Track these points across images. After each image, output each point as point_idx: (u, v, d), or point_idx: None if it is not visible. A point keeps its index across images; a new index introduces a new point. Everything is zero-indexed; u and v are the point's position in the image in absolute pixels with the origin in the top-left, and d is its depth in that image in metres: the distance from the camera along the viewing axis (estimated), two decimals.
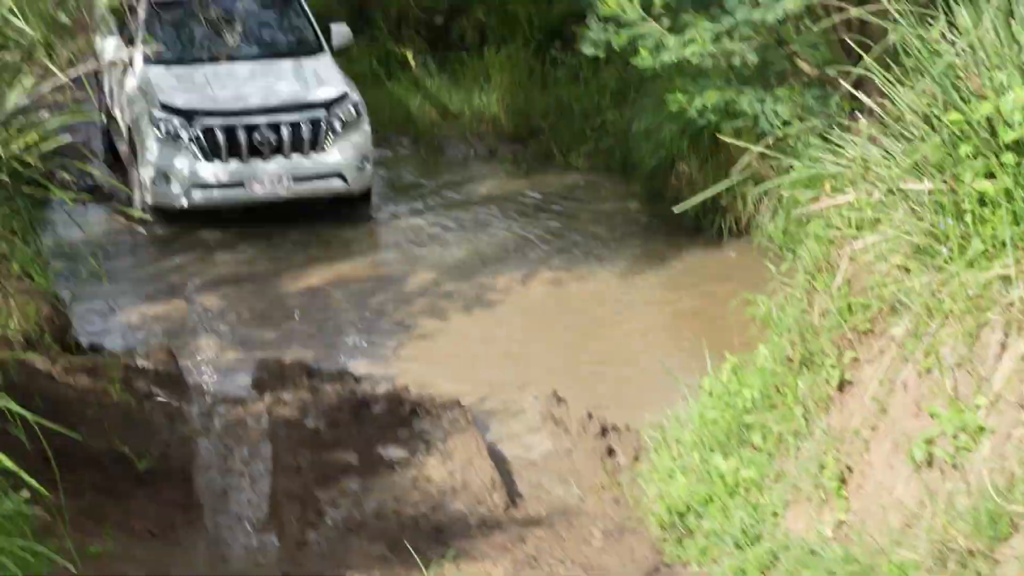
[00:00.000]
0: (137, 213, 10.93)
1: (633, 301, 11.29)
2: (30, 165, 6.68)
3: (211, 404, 9.08)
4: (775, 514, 5.43)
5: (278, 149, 11.84)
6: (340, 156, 12.08)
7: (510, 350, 10.16)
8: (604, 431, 8.26)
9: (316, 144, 11.96)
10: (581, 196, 13.78)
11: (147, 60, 12.35)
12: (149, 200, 11.90)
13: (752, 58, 8.28)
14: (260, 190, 11.86)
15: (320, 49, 13.09)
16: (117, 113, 13.07)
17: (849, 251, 5.21)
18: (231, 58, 12.36)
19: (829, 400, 5.57)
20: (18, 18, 6.37)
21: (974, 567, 3.80)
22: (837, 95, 8.13)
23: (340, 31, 13.41)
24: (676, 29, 8.31)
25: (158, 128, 11.77)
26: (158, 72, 12.32)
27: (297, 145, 11.89)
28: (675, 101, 9.44)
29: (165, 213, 12.03)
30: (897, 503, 4.52)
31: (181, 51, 12.66)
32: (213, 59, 12.38)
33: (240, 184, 11.82)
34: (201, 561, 6.92)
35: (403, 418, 8.66)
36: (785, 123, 8.30)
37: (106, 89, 13.63)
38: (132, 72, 12.49)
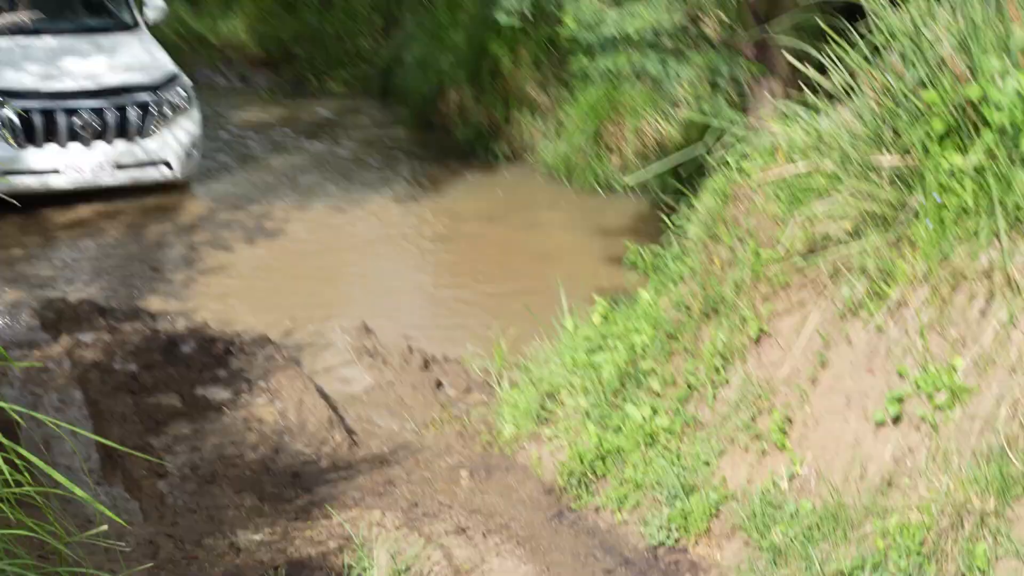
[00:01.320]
0: None
1: (417, 227, 11.27)
2: None
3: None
4: (707, 464, 5.50)
5: (101, 134, 10.91)
6: (168, 143, 11.26)
7: (302, 281, 9.94)
8: (426, 363, 8.24)
9: (143, 130, 11.10)
10: (347, 122, 13.66)
11: None
12: None
13: (668, 26, 8.31)
14: (79, 178, 10.88)
15: (135, 24, 12.20)
16: None
17: (802, 217, 5.30)
18: (38, 32, 11.08)
19: (744, 349, 5.70)
20: None
21: (991, 527, 4.00)
22: (741, 59, 8.21)
23: (154, 4, 12.46)
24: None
25: None
26: None
27: (122, 131, 11.01)
28: (578, 63, 9.57)
29: None
30: (864, 458, 4.70)
31: None
32: (18, 31, 10.63)
33: (56, 171, 10.79)
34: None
35: (217, 357, 8.33)
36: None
37: None
38: None
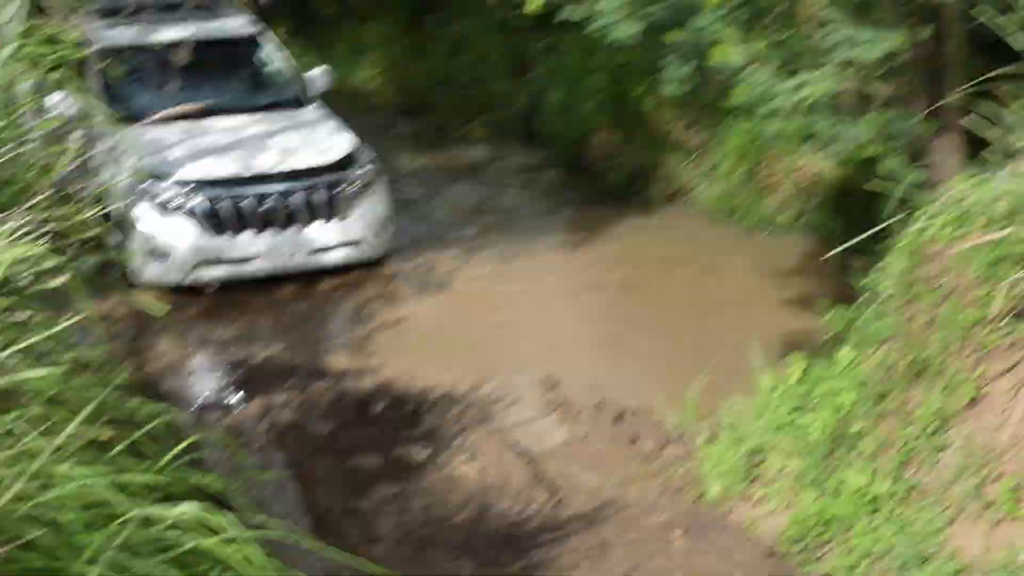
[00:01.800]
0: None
1: (590, 275, 11.35)
2: None
3: (199, 412, 8.71)
4: (937, 532, 5.64)
5: (292, 219, 10.53)
6: (361, 221, 10.80)
7: (479, 334, 10.04)
8: (619, 416, 8.31)
9: (333, 211, 10.65)
10: (496, 167, 13.84)
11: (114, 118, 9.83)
12: (141, 279, 10.23)
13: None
14: (271, 265, 10.54)
15: (304, 101, 11.77)
16: None
17: (1010, 281, 5.43)
18: (213, 112, 10.59)
19: (960, 412, 5.84)
20: None
21: None
22: (916, 118, 8.30)
23: (321, 76, 12.06)
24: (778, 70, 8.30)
25: (151, 199, 10.23)
26: (133, 132, 9.62)
27: (311, 213, 10.59)
28: (740, 132, 10.08)
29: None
30: None
31: (145, 100, 10.71)
32: (189, 116, 9.72)
33: (249, 259, 10.45)
34: None
35: (409, 415, 8.54)
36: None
37: None
38: (95, 133, 9.81)
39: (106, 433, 3.88)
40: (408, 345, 9.79)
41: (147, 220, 10.18)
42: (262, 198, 10.36)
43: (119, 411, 4.33)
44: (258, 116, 11.31)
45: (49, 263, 4.64)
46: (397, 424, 8.44)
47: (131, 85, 10.91)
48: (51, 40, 7.29)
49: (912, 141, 8.25)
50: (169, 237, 10.15)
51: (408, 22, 16.31)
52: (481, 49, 15.58)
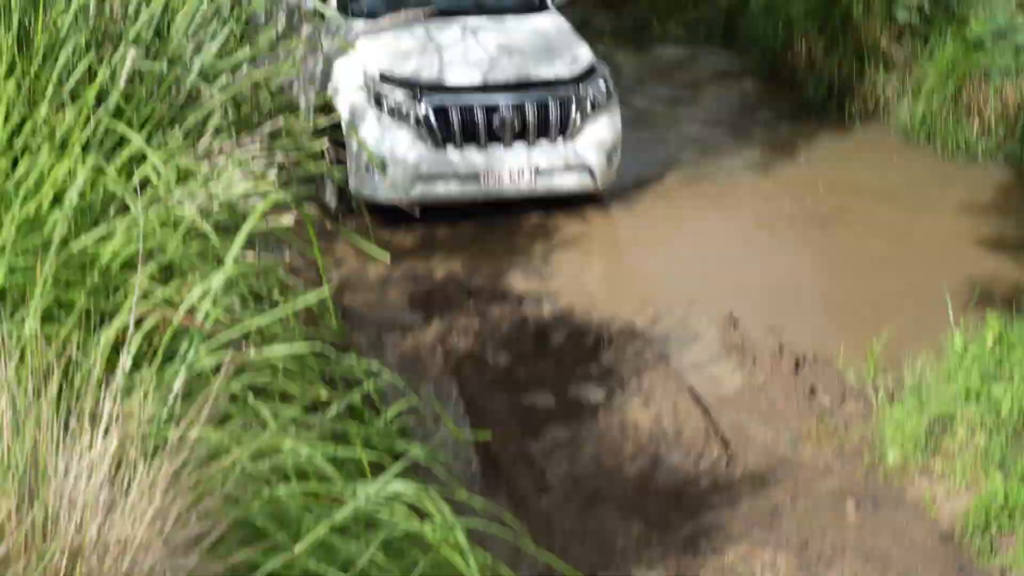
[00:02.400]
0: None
1: (776, 204, 10.99)
2: None
3: (377, 333, 8.72)
4: None
5: (521, 135, 10.05)
6: (590, 145, 10.26)
7: (663, 262, 9.89)
8: (798, 364, 8.06)
9: (565, 130, 10.17)
10: (693, 72, 13.61)
11: (350, 13, 10.30)
12: (358, 192, 9.88)
13: None
14: (497, 185, 10.08)
15: (545, 4, 11.30)
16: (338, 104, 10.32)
17: None
18: (448, 13, 10.44)
19: None
20: None
21: None
22: None
23: None
24: None
25: (377, 104, 9.93)
26: (367, 34, 9.97)
27: (543, 130, 10.09)
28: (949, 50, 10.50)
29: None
30: None
31: (380, 4, 10.45)
32: (426, 18, 9.85)
33: (475, 177, 10.03)
34: None
35: (588, 350, 8.42)
36: None
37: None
38: (336, 34, 10.08)
39: (323, 392, 3.87)
40: (585, 268, 9.77)
41: (369, 129, 9.85)
42: (494, 110, 9.94)
43: (337, 369, 4.28)
44: (495, 19, 10.89)
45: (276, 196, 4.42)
46: (574, 359, 8.33)
47: None
48: None
49: None
50: (391, 148, 9.80)
51: None
52: None
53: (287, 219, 4.72)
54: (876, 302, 8.82)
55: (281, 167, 5.44)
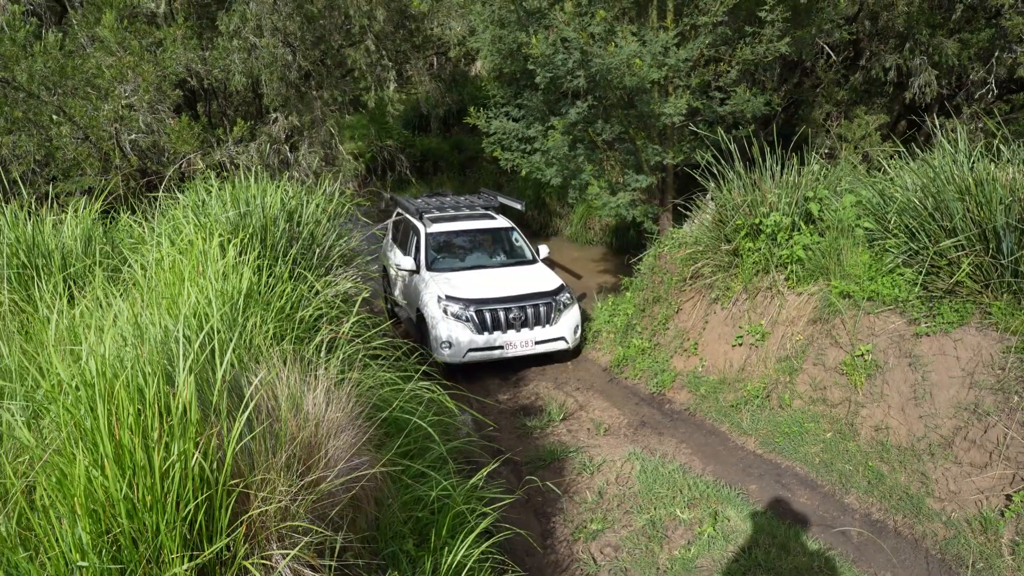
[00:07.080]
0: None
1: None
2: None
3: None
4: (667, 360, 13.20)
5: (524, 324, 15.35)
6: (563, 327, 15.52)
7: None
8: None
9: (548, 320, 15.48)
10: None
11: (426, 268, 16.69)
12: (438, 357, 14.98)
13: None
14: (513, 351, 15.24)
15: (535, 260, 17.51)
16: (399, 297, 17.66)
17: (691, 267, 13.62)
18: (481, 267, 16.86)
19: (673, 315, 13.67)
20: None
21: (785, 386, 11.38)
22: (656, 207, 17.31)
23: (543, 249, 17.83)
24: None
25: (445, 311, 15.20)
26: (436, 275, 16.23)
27: (536, 320, 15.42)
28: (582, 206, 18.33)
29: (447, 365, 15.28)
30: (730, 359, 12.38)
31: (447, 262, 16.96)
32: (470, 267, 16.73)
33: (500, 347, 15.15)
34: None
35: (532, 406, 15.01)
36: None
37: (393, 282, 18.29)
38: (418, 276, 16.50)
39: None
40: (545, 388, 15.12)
41: (442, 323, 15.24)
42: (509, 311, 15.43)
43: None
44: (508, 269, 17.12)
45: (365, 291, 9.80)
46: (523, 409, 13.80)
47: (441, 251, 17.30)
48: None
49: (655, 214, 17.50)
50: (454, 334, 15.12)
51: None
52: None
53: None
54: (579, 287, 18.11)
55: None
